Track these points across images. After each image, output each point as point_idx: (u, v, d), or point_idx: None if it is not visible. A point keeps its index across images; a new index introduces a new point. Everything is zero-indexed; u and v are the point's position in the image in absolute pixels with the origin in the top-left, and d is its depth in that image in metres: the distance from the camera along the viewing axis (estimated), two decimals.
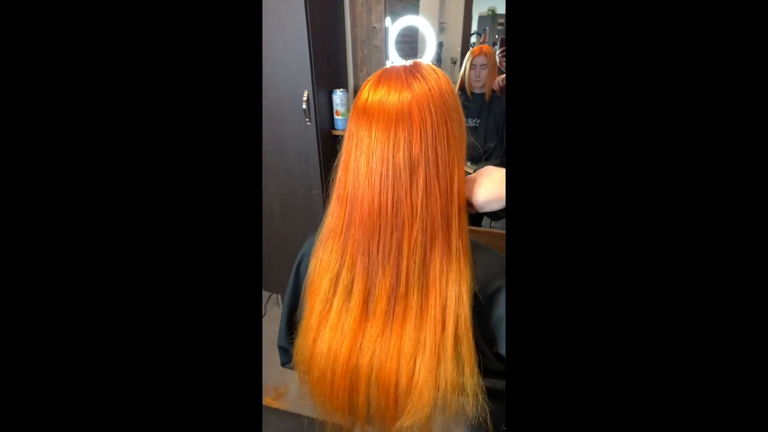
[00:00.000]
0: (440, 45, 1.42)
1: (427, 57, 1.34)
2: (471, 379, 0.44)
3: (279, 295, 1.80)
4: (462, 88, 1.37)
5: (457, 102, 0.46)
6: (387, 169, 0.44)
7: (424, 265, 0.45)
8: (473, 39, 1.41)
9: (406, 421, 0.46)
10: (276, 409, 0.91)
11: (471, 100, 1.38)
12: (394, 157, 0.43)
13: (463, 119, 0.48)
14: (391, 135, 0.43)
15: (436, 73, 0.46)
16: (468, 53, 1.36)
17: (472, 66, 1.35)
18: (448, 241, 0.45)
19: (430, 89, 0.44)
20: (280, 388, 1.41)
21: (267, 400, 1.37)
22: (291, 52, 1.22)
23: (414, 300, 0.45)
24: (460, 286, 0.44)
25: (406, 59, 0.50)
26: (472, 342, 0.45)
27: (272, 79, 1.28)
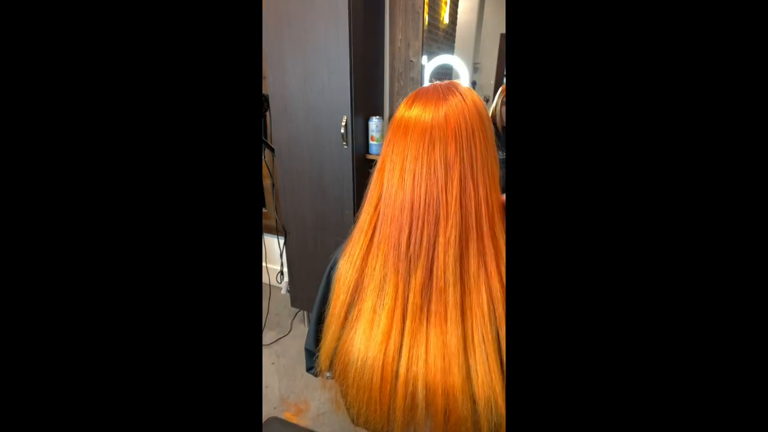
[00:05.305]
0: (473, 84, 1.48)
1: None
2: (500, 383, 0.44)
3: (305, 312, 1.84)
4: (492, 122, 1.40)
5: (489, 118, 0.49)
6: (421, 167, 0.45)
7: (461, 261, 0.45)
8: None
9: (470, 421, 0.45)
10: (295, 425, 0.92)
11: (501, 134, 1.41)
12: (428, 155, 0.45)
13: (494, 134, 0.50)
14: (427, 137, 0.45)
15: (471, 92, 0.49)
16: (500, 89, 1.41)
17: (504, 102, 1.39)
18: (482, 239, 0.45)
19: (464, 99, 0.47)
20: (301, 405, 1.42)
21: (287, 415, 1.39)
22: (334, 82, 1.31)
23: (451, 295, 0.45)
24: (495, 284, 0.44)
25: None
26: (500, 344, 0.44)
27: (315, 104, 1.38)
